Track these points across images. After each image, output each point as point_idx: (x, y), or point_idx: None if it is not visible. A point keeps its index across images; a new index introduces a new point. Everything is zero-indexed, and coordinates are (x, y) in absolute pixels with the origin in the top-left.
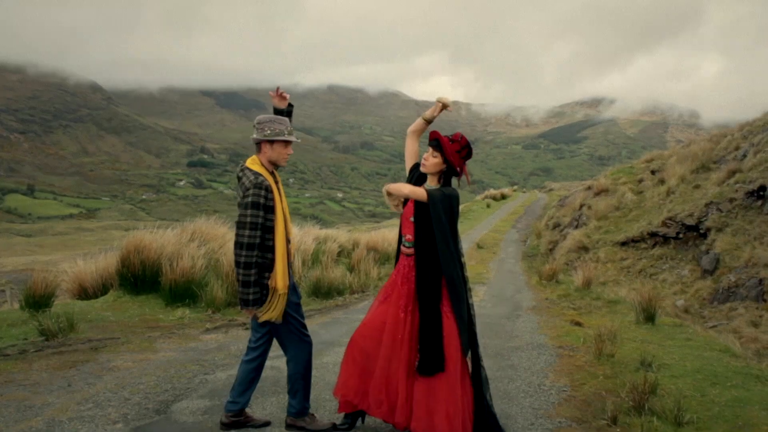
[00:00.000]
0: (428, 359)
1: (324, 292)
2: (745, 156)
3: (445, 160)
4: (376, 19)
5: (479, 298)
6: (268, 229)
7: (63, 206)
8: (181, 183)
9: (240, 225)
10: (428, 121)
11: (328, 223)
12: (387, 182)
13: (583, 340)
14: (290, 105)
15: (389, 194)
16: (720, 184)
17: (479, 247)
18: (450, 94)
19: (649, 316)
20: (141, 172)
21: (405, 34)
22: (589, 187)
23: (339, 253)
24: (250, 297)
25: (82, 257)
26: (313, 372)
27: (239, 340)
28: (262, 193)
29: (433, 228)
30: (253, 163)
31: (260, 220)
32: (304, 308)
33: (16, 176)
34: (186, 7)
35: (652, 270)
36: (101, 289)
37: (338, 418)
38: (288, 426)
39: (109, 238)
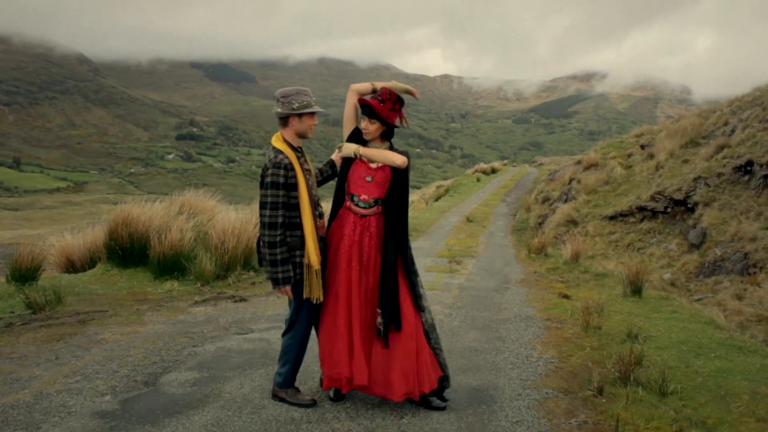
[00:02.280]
0: (390, 320)
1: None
2: (733, 131)
3: (383, 122)
4: None
5: (468, 270)
6: (293, 207)
7: (50, 179)
8: (170, 156)
9: (261, 205)
10: (375, 90)
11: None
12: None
13: (571, 313)
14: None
15: (358, 155)
16: (708, 159)
17: (469, 220)
18: (442, 67)
19: (636, 289)
20: (129, 145)
21: (398, 5)
22: (579, 162)
23: None
24: (280, 276)
25: (69, 231)
26: None
27: (228, 312)
28: (281, 172)
29: (407, 191)
30: (276, 140)
31: (280, 200)
32: None
33: (2, 149)
34: None
35: (639, 244)
36: (89, 263)
37: (321, 394)
38: (272, 395)
39: (98, 211)
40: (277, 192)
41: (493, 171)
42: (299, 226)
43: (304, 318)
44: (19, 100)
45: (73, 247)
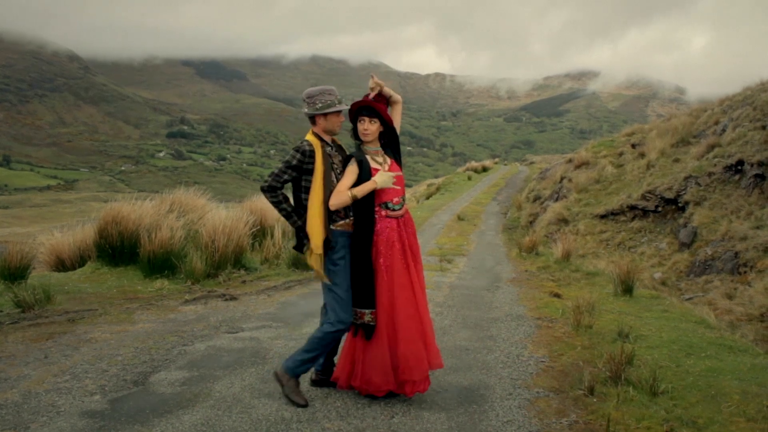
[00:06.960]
0: None
1: (304, 263)
2: (724, 130)
3: (383, 122)
4: None
5: (459, 269)
6: (305, 189)
7: (40, 177)
8: (161, 154)
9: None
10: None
11: None
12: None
13: (562, 312)
14: None
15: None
16: (699, 158)
17: (460, 218)
18: (435, 65)
19: (627, 288)
20: (120, 143)
21: (392, 1)
22: (570, 160)
23: None
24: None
25: (59, 229)
26: (293, 344)
27: (218, 311)
28: (297, 155)
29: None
30: (308, 134)
31: (285, 176)
32: (283, 279)
33: None
34: None
35: (630, 243)
36: (79, 261)
37: (313, 394)
38: (274, 374)
39: (88, 209)
40: (286, 170)
41: (484, 169)
42: (305, 208)
43: (331, 314)
44: (9, 98)
45: (63, 245)
